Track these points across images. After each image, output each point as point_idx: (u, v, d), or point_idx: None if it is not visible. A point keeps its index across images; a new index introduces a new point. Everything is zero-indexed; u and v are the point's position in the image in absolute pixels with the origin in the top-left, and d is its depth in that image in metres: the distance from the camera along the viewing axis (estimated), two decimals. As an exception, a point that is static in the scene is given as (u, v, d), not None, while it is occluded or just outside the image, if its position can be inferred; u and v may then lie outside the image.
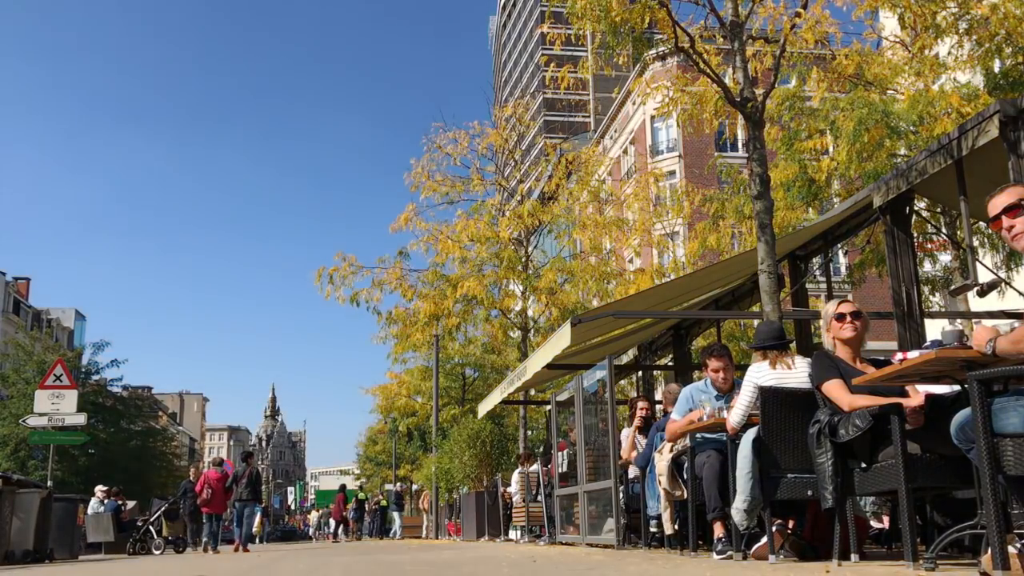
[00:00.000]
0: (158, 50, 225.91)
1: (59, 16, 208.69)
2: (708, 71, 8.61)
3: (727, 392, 6.16)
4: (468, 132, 21.63)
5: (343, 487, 32.68)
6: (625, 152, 42.95)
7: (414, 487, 33.50)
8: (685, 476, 6.38)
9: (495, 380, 25.19)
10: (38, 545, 12.15)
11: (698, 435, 6.12)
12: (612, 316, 10.73)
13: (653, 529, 7.58)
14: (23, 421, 17.57)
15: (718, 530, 5.72)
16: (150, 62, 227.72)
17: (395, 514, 30.41)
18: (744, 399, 5.41)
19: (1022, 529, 3.43)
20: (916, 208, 9.37)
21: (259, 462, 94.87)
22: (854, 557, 4.41)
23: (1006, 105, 6.05)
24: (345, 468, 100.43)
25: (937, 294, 16.48)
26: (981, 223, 12.45)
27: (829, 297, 11.43)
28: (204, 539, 16.24)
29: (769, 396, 5.01)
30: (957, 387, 3.92)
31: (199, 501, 16.18)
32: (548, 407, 15.07)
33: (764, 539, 5.15)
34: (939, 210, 11.95)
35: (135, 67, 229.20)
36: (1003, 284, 9.19)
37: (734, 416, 5.46)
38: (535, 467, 13.63)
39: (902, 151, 12.92)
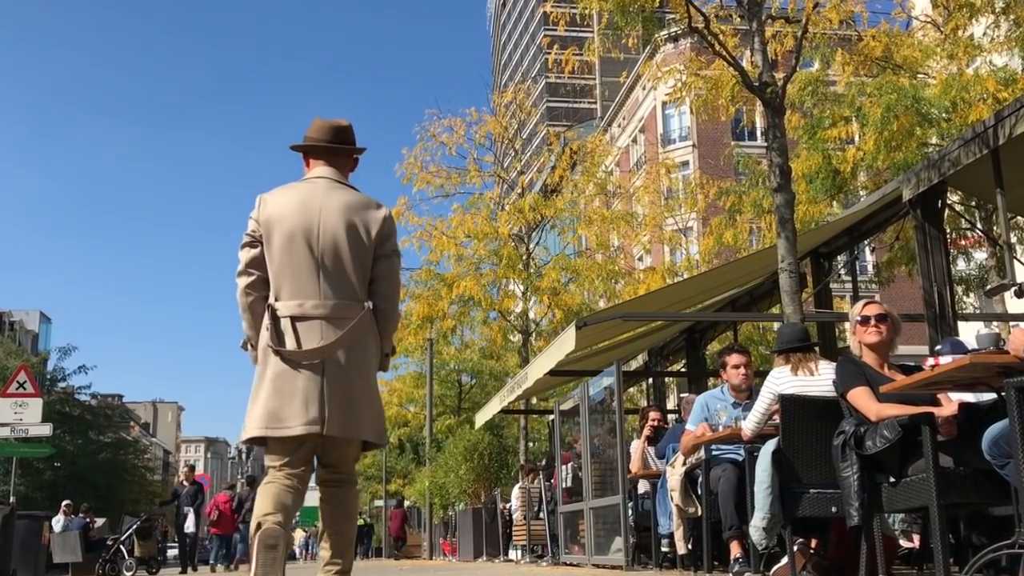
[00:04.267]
0: (132, 35, 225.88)
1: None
2: (724, 53, 8.61)
3: (745, 400, 6.16)
4: (465, 119, 21.62)
5: (401, 502, 32.65)
6: (634, 141, 42.98)
7: (406, 503, 33.46)
8: (699, 491, 6.38)
9: (494, 388, 25.20)
10: (0, 566, 12.15)
11: (713, 447, 6.12)
12: (620, 318, 10.76)
13: (665, 548, 7.58)
14: (-17, 432, 17.59)
15: (735, 550, 5.72)
16: (123, 48, 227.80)
17: None
18: (761, 406, 5.43)
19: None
20: (949, 202, 9.37)
21: (238, 476, 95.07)
22: (882, 579, 4.41)
23: (1046, 90, 6.07)
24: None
25: (971, 294, 16.51)
26: (1019, 217, 12.49)
27: (855, 298, 11.44)
28: (212, 560, 17.81)
29: (790, 405, 5.01)
30: (993, 395, 3.92)
31: (208, 523, 17.68)
32: (551, 417, 15.08)
33: (785, 559, 5.15)
34: (973, 204, 11.95)
35: (106, 53, 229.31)
36: (1043, 284, 9.19)
37: (748, 424, 5.48)
38: (537, 481, 13.65)
39: (934, 140, 12.92)
